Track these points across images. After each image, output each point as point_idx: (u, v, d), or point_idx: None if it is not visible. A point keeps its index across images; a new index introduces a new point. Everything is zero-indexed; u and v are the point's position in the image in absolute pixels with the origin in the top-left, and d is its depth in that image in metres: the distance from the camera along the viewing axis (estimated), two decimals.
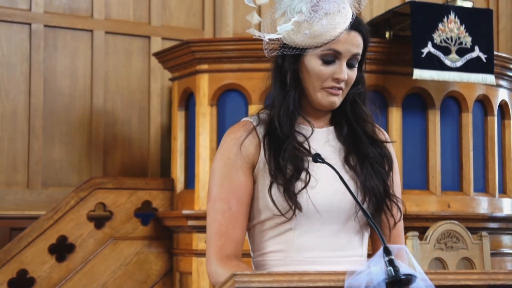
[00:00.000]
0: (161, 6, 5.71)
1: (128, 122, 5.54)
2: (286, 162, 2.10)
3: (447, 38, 4.39)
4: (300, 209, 2.09)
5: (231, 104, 4.55)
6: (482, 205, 4.71)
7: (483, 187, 4.79)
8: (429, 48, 4.34)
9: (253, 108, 4.40)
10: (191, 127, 4.71)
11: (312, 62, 2.13)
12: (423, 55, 4.32)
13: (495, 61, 4.52)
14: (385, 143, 2.26)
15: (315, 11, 2.10)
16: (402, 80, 4.50)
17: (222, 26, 5.87)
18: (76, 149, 5.35)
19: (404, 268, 1.72)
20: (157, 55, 5.00)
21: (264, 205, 2.13)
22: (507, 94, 4.95)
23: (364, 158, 2.19)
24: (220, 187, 2.15)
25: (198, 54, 4.56)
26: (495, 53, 4.59)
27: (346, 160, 2.18)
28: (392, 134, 4.51)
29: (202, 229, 4.40)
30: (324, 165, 2.09)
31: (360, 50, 2.15)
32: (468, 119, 4.70)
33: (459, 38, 4.41)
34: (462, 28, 4.43)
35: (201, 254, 4.47)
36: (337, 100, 2.16)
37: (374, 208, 2.14)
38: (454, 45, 4.40)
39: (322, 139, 2.19)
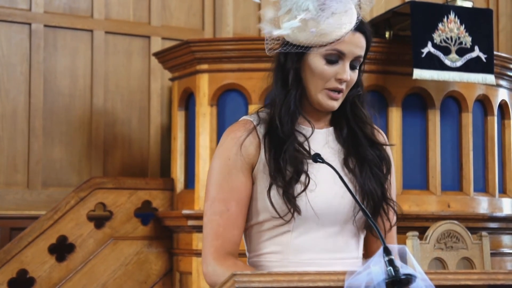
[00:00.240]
0: (161, 6, 5.71)
1: (128, 122, 5.54)
2: (286, 163, 2.10)
3: (447, 38, 4.39)
4: (299, 212, 2.08)
5: (231, 104, 4.55)
6: (482, 205, 4.71)
7: (483, 187, 4.79)
8: (429, 48, 4.34)
9: (253, 108, 4.40)
10: (191, 127, 4.71)
11: (316, 62, 2.12)
12: (423, 55, 4.32)
13: (495, 61, 4.52)
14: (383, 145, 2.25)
15: (322, 9, 2.08)
16: (402, 80, 4.50)
17: (222, 26, 5.87)
18: (76, 149, 5.35)
19: (404, 268, 1.72)
20: (157, 55, 5.00)
21: (262, 206, 2.12)
22: (507, 94, 4.95)
23: (363, 161, 2.18)
24: (219, 188, 2.13)
25: (198, 54, 4.56)
26: (495, 53, 4.59)
27: (345, 162, 2.18)
28: (392, 134, 4.51)
29: (202, 229, 4.38)
30: (324, 167, 2.08)
31: (363, 53, 2.15)
32: (468, 119, 4.70)
33: (459, 38, 4.41)
34: (462, 28, 4.43)
35: (201, 254, 4.46)
36: (336, 104, 2.15)
37: (371, 211, 2.14)
38: (454, 45, 4.40)
39: (321, 140, 2.19)
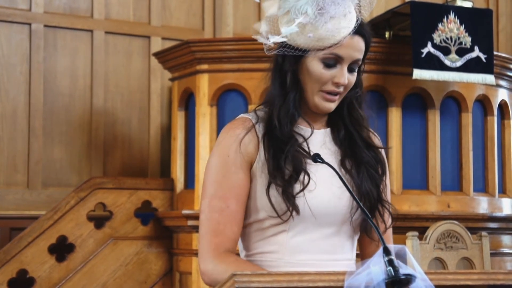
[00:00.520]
0: (161, 6, 5.71)
1: (128, 122, 5.54)
2: (286, 163, 2.09)
3: (447, 38, 4.39)
4: (297, 211, 2.07)
5: (231, 104, 4.55)
6: (482, 205, 4.71)
7: (482, 187, 4.80)
8: (429, 48, 4.34)
9: (253, 108, 4.40)
10: (191, 127, 4.72)
11: (313, 65, 2.11)
12: (423, 55, 4.32)
13: (494, 61, 4.52)
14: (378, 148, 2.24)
15: (320, 14, 2.07)
16: (402, 80, 4.50)
17: (222, 26, 5.87)
18: (76, 149, 5.35)
19: (403, 268, 1.72)
20: (157, 55, 5.00)
21: (260, 205, 2.11)
22: (506, 94, 4.95)
23: (360, 162, 2.18)
24: (218, 185, 2.12)
25: (198, 54, 4.56)
26: (495, 53, 4.59)
27: (342, 163, 2.17)
28: (392, 134, 4.51)
29: None
30: (322, 168, 2.08)
31: (361, 55, 2.14)
32: (468, 119, 4.70)
33: (458, 38, 4.42)
34: (462, 28, 4.43)
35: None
36: (333, 106, 2.15)
37: (364, 212, 2.14)
38: (454, 45, 4.40)
39: (319, 141, 2.18)
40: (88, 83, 5.42)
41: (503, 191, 4.93)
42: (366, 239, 2.24)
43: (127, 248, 4.73)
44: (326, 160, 2.09)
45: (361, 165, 2.18)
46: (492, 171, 4.81)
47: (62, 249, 4.62)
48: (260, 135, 2.14)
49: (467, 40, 4.43)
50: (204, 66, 4.58)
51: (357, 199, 2.08)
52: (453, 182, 4.67)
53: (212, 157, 2.16)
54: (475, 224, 4.57)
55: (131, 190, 4.77)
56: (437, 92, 4.60)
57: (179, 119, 4.81)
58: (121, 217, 4.73)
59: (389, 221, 2.23)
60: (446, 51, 4.38)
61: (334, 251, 2.15)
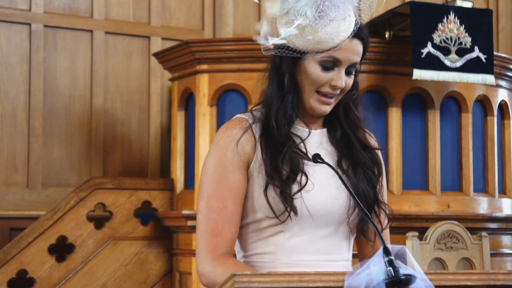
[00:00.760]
0: (161, 6, 5.71)
1: (128, 122, 5.54)
2: (283, 163, 2.08)
3: (447, 39, 4.39)
4: (295, 212, 2.07)
5: (231, 104, 4.55)
6: (482, 205, 4.71)
7: (482, 187, 4.80)
8: (428, 48, 4.34)
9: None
10: (191, 127, 4.72)
11: (311, 67, 2.10)
12: (423, 55, 4.33)
13: (494, 61, 4.52)
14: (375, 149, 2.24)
15: (320, 17, 2.06)
16: (402, 80, 4.50)
17: (222, 26, 5.87)
18: (75, 149, 5.35)
19: (404, 269, 1.72)
20: (157, 55, 5.00)
21: (257, 205, 2.11)
22: (506, 94, 4.95)
23: (357, 163, 2.18)
24: (215, 185, 2.11)
25: (198, 54, 4.56)
26: (495, 53, 4.59)
27: (338, 164, 2.17)
28: (392, 134, 4.51)
29: None
30: (319, 168, 2.08)
31: (359, 59, 2.13)
32: (467, 119, 4.70)
33: (458, 38, 4.42)
34: (462, 28, 4.43)
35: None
36: (329, 108, 2.15)
37: (364, 213, 2.14)
38: (454, 45, 4.40)
39: (316, 141, 2.18)
40: (88, 83, 5.42)
41: (503, 191, 4.93)
42: (362, 240, 2.24)
43: (127, 248, 4.73)
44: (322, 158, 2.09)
45: (358, 166, 2.18)
46: (492, 171, 4.81)
47: (62, 249, 4.62)
48: (257, 136, 2.14)
49: (467, 40, 4.43)
50: (204, 66, 4.58)
51: (354, 199, 2.08)
52: (453, 182, 4.67)
53: (209, 157, 2.15)
54: (475, 224, 4.57)
55: (131, 190, 4.77)
56: (437, 92, 4.60)
57: (179, 119, 4.81)
58: (121, 217, 4.73)
59: (385, 222, 2.23)
60: (446, 51, 4.38)
61: (330, 252, 2.15)
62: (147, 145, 5.57)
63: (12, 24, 5.23)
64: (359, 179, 2.16)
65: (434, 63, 4.34)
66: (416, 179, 4.57)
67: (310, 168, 2.10)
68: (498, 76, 4.73)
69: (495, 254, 4.60)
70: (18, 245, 4.50)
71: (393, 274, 1.70)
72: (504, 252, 4.78)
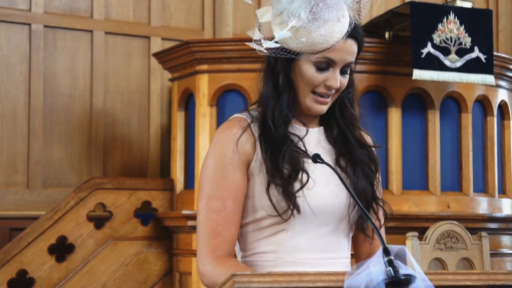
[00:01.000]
0: (161, 7, 5.71)
1: (128, 122, 5.54)
2: (284, 162, 2.09)
3: (447, 39, 4.39)
4: (298, 210, 2.07)
5: (231, 104, 4.55)
6: (482, 205, 4.71)
7: (482, 187, 4.80)
8: (428, 48, 4.34)
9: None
10: (191, 127, 4.72)
11: (306, 68, 2.11)
12: (423, 56, 4.33)
13: (494, 62, 4.52)
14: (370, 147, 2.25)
15: (314, 19, 2.06)
16: (402, 80, 4.50)
17: (221, 27, 5.87)
18: (75, 149, 5.36)
19: (403, 269, 1.72)
20: (157, 55, 5.00)
21: (258, 204, 2.11)
22: (506, 94, 4.95)
23: (355, 161, 2.19)
24: (215, 185, 2.11)
25: (197, 54, 4.56)
26: (495, 53, 4.60)
27: (337, 162, 2.18)
28: (392, 134, 4.51)
29: None
30: (319, 167, 2.09)
31: (354, 58, 2.14)
32: (467, 120, 4.70)
33: (458, 38, 4.42)
34: (462, 28, 4.43)
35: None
36: (325, 107, 2.16)
37: (363, 212, 2.14)
38: (454, 45, 4.40)
39: (314, 140, 2.19)
40: (88, 83, 5.42)
41: (503, 192, 4.93)
42: (360, 237, 2.25)
43: (127, 248, 4.73)
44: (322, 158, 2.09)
45: (356, 164, 2.19)
46: (492, 171, 4.81)
47: (62, 250, 4.61)
48: (256, 135, 2.14)
49: (467, 40, 4.43)
50: (204, 67, 4.58)
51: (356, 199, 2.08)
52: (453, 183, 4.67)
53: (209, 157, 2.15)
54: (475, 224, 4.57)
55: (131, 190, 4.77)
56: (437, 92, 4.60)
57: (179, 119, 4.82)
58: (121, 218, 4.73)
59: (382, 219, 2.23)
60: (446, 52, 4.38)
61: (331, 250, 2.15)
62: (147, 145, 5.57)
63: (12, 24, 5.23)
64: (358, 177, 2.17)
65: (434, 63, 4.34)
66: (416, 179, 4.57)
67: (311, 166, 2.11)
68: (498, 76, 4.73)
69: (495, 254, 4.60)
70: (18, 245, 4.50)
71: (393, 274, 1.70)
72: (504, 252, 4.78)
